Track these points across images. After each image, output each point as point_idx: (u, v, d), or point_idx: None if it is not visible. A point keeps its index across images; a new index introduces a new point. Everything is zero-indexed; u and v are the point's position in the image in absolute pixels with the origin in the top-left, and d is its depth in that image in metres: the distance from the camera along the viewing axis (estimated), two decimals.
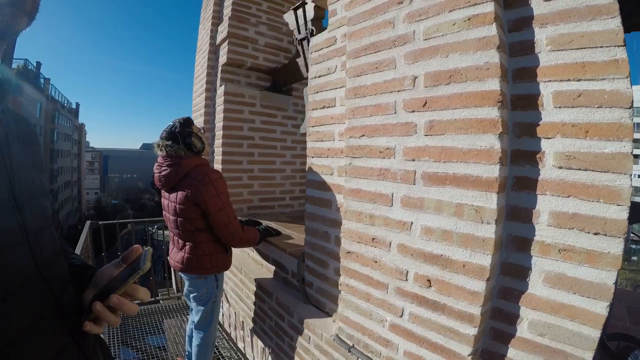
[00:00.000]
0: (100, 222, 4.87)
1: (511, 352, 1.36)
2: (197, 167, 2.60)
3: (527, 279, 1.32)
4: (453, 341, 1.45)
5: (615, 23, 1.11)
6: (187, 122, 2.69)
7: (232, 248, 2.88)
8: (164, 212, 2.83)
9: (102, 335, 3.32)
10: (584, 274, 1.18)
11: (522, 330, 1.33)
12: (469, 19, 1.35)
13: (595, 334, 1.16)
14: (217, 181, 2.59)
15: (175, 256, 2.78)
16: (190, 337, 3.10)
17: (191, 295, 2.86)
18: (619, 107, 1.10)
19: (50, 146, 42.69)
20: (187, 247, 2.69)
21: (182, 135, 2.60)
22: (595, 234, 1.15)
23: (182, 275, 2.85)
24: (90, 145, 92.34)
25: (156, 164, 2.69)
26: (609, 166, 1.12)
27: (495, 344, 1.42)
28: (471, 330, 1.39)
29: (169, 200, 2.67)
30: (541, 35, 1.26)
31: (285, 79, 4.23)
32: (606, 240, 1.13)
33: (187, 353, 3.17)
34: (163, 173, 2.61)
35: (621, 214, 1.11)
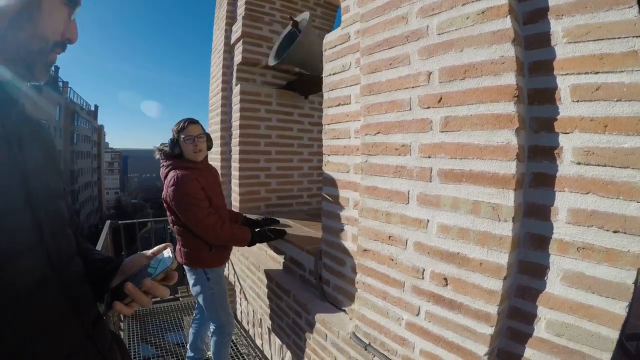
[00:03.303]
0: (120, 222, 4.94)
1: (528, 352, 1.34)
2: (174, 171, 2.74)
3: (545, 278, 1.29)
4: (469, 340, 1.44)
5: (633, 13, 1.07)
6: (178, 127, 2.80)
7: (226, 246, 3.02)
8: None
9: (121, 332, 3.40)
10: (602, 273, 1.15)
11: (540, 330, 1.31)
12: (483, 12, 1.33)
13: (614, 334, 1.13)
14: (184, 184, 2.68)
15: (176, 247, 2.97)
16: (194, 334, 3.31)
17: (190, 286, 3.08)
18: (638, 101, 1.07)
19: (70, 148, 43.46)
20: (178, 240, 2.91)
21: (171, 139, 2.81)
22: (615, 232, 1.12)
23: None
24: (110, 146, 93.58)
25: None
26: (628, 162, 1.09)
27: (511, 343, 1.40)
28: (487, 330, 1.37)
29: None
30: (557, 27, 1.23)
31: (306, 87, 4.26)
32: (626, 239, 1.10)
33: (188, 356, 3.33)
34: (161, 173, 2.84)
35: None
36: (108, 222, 4.80)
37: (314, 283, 2.57)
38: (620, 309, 1.12)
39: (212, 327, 3.09)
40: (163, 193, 2.77)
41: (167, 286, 1.00)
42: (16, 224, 0.75)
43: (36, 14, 0.80)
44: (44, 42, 0.84)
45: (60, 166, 1.06)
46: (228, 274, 4.33)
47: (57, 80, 43.39)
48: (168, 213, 2.85)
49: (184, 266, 2.96)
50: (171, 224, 2.91)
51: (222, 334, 3.04)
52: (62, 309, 0.84)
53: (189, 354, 3.29)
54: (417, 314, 1.64)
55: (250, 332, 3.96)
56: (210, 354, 3.15)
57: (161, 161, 2.85)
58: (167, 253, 1.02)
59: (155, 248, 1.05)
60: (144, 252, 1.08)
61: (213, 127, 4.93)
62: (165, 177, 2.76)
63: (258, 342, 3.76)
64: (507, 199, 1.29)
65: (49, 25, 0.84)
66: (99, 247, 3.79)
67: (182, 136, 2.76)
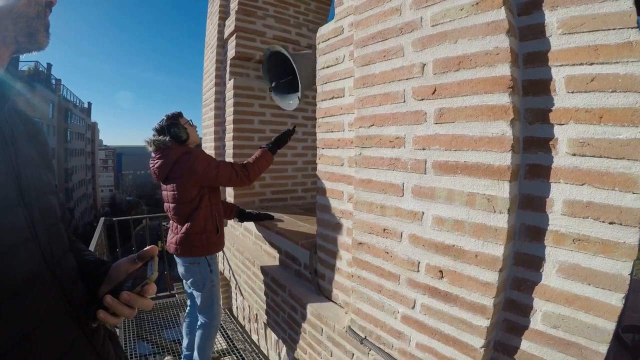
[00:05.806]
0: (114, 219, 4.91)
1: (524, 345, 1.34)
2: (185, 154, 2.78)
3: (541, 270, 1.29)
4: (465, 333, 1.43)
5: (627, 4, 1.07)
6: (174, 116, 2.92)
7: (223, 231, 3.07)
8: (164, 203, 2.99)
9: (117, 329, 3.39)
10: (599, 265, 1.15)
11: (536, 322, 1.31)
12: (477, 4, 1.32)
13: (610, 326, 1.13)
14: (201, 154, 2.80)
15: (171, 239, 2.95)
16: (187, 330, 3.27)
17: (188, 281, 3.03)
18: (633, 92, 1.06)
19: (64, 146, 43.20)
20: (182, 227, 2.87)
21: (167, 128, 2.83)
22: (611, 223, 1.12)
23: (177, 259, 2.99)
24: (104, 143, 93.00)
25: (150, 160, 2.89)
26: (624, 153, 1.09)
27: (508, 336, 1.40)
28: (484, 322, 1.36)
29: (167, 190, 2.86)
30: (552, 19, 1.22)
31: None
32: (621, 230, 1.10)
33: (184, 354, 3.30)
34: (156, 165, 2.82)
35: (637, 202, 1.07)
36: (102, 219, 4.77)
37: (310, 277, 2.56)
38: (616, 300, 1.12)
39: (201, 320, 3.09)
40: (177, 179, 2.79)
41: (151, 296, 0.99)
42: (10, 219, 0.76)
43: None
44: (39, 5, 0.86)
45: (52, 162, 1.06)
46: (223, 269, 4.33)
47: (50, 78, 43.13)
48: (178, 203, 2.84)
49: (181, 260, 2.94)
50: (174, 211, 2.88)
51: (210, 328, 3.06)
52: (56, 303, 0.84)
53: (185, 352, 3.27)
54: (413, 307, 1.63)
55: (246, 328, 3.96)
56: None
57: (155, 153, 2.85)
58: (150, 264, 1.00)
59: (142, 251, 1.04)
60: (129, 256, 1.07)
61: (207, 122, 4.91)
62: (176, 162, 2.77)
63: (254, 337, 3.76)
64: (502, 190, 1.28)
65: None
66: (93, 244, 3.77)
67: (184, 121, 2.90)
